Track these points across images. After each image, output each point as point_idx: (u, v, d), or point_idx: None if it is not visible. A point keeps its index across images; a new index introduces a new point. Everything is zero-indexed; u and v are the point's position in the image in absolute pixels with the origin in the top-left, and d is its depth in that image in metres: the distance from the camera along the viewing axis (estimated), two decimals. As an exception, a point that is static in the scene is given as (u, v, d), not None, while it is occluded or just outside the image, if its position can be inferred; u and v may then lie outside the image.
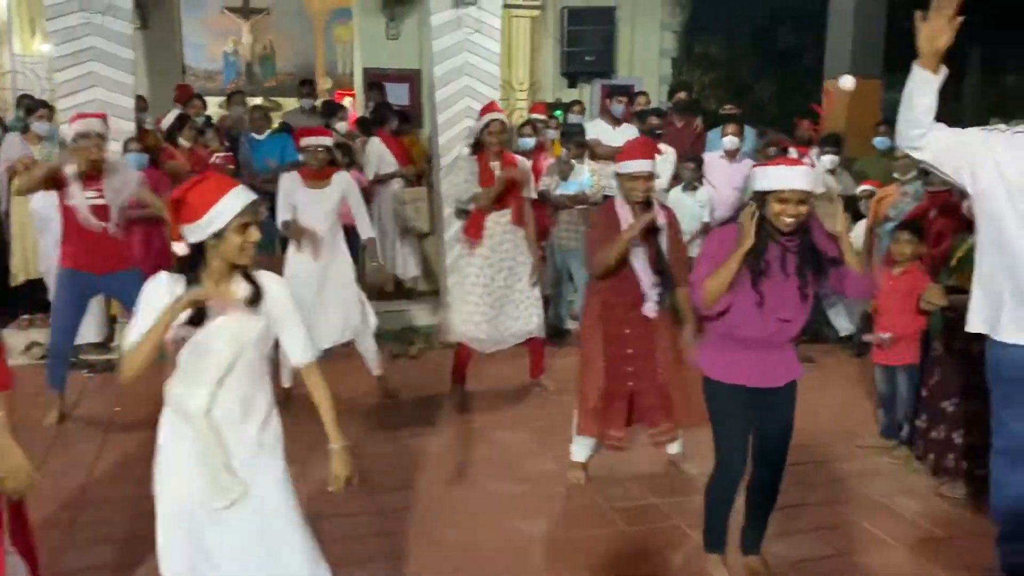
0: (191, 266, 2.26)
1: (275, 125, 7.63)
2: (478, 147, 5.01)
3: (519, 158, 5.27)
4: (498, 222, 5.00)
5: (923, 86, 2.77)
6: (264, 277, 2.37)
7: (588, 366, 3.91)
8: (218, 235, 2.23)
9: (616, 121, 7.24)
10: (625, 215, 3.77)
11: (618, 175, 3.83)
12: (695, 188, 6.54)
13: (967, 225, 3.92)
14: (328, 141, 5.06)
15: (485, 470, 4.17)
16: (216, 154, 6.79)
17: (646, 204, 3.78)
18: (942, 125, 2.84)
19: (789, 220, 2.75)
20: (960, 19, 2.70)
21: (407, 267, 7.23)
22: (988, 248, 2.86)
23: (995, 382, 2.89)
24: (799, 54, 11.62)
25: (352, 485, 2.44)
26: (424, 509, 3.75)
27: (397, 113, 7.53)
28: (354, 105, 10.26)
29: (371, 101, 8.14)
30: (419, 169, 7.30)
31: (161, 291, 2.25)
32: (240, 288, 2.31)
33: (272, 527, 2.33)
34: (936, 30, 2.70)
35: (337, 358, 4.86)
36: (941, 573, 3.25)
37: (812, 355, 5.94)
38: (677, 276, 3.80)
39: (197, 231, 2.23)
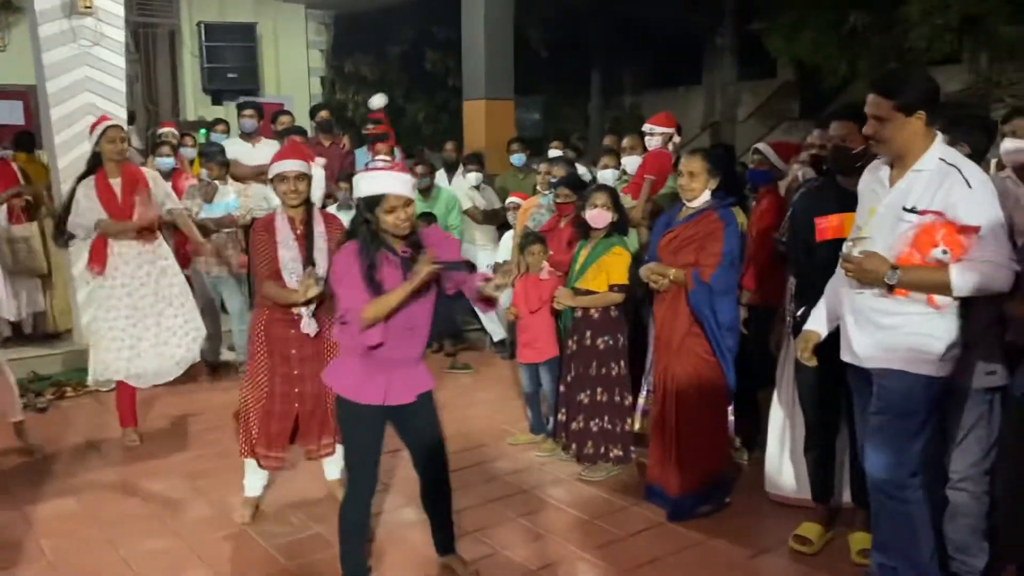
0: None
1: None
2: (95, 161, 4.58)
3: (146, 170, 4.89)
4: (131, 246, 4.61)
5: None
6: None
7: (252, 383, 3.72)
8: None
9: (251, 138, 7.02)
10: (282, 226, 3.61)
11: (271, 180, 3.68)
12: (351, 207, 6.54)
13: (587, 233, 4.37)
14: None
15: (132, 528, 3.76)
16: None
17: (307, 210, 3.65)
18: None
19: (404, 224, 2.88)
20: None
21: (22, 309, 6.27)
22: None
23: None
24: (445, 76, 12.19)
25: None
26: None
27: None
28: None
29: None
30: (35, 192, 6.37)
31: None
32: None
33: None
34: None
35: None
36: (584, 554, 3.53)
37: (469, 362, 6.23)
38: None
39: None
